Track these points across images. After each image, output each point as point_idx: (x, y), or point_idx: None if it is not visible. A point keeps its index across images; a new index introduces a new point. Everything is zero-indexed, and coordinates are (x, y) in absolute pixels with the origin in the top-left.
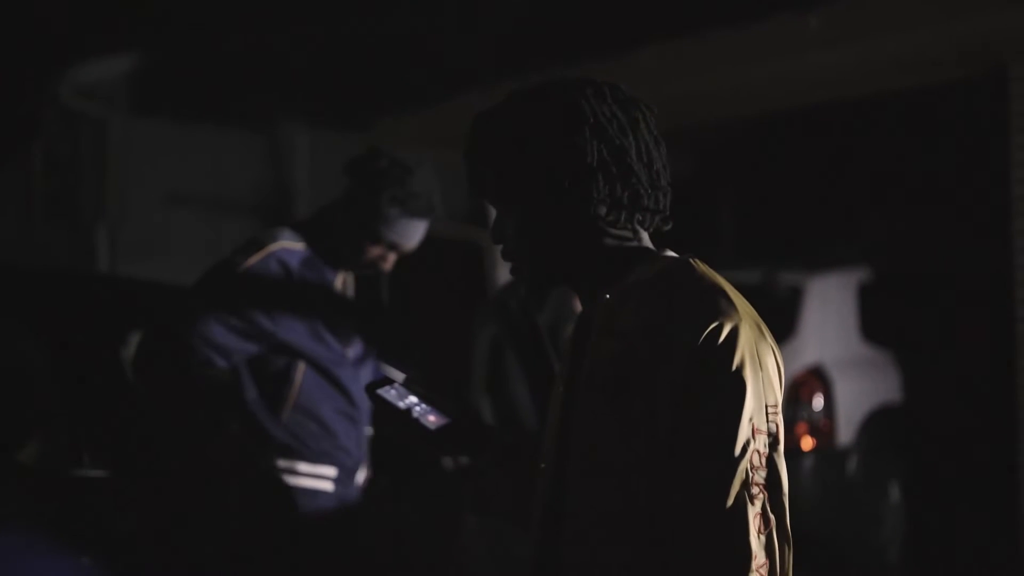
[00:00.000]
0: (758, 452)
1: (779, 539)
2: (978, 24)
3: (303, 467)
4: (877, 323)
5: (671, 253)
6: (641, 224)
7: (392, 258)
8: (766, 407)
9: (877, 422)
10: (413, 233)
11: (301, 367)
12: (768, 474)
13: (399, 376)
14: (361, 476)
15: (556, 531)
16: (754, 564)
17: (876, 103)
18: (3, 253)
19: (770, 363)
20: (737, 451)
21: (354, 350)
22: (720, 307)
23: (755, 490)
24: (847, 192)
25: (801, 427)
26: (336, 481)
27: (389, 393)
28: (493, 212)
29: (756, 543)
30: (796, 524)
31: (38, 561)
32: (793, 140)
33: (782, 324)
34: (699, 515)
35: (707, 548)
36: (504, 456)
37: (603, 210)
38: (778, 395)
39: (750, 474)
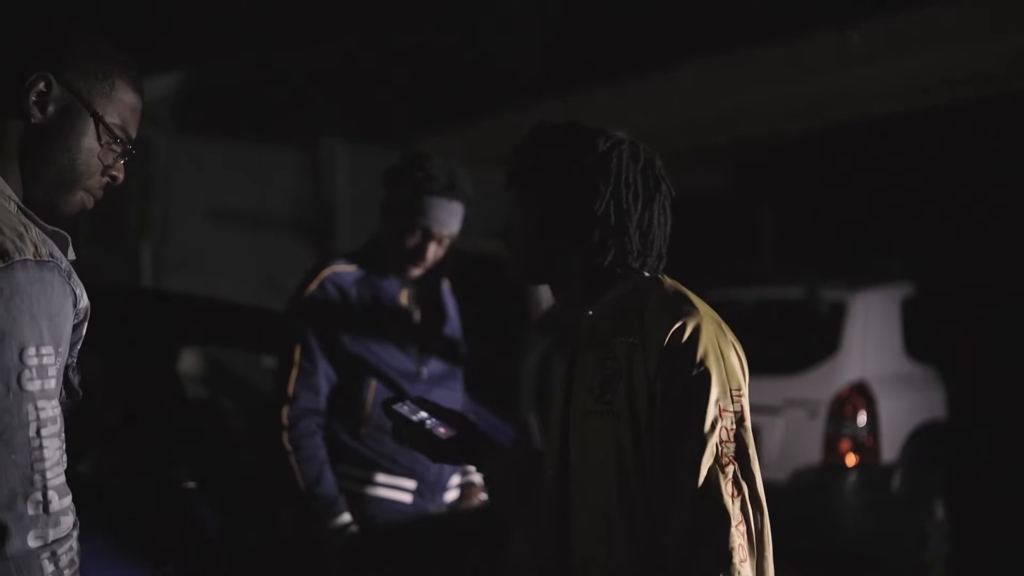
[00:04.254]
0: (726, 428)
1: (752, 503)
2: (1021, 38)
3: (382, 478)
4: (921, 339)
5: (647, 274)
6: (619, 269)
7: (431, 247)
8: (731, 391)
9: (921, 439)
10: (441, 214)
11: (373, 385)
12: (736, 447)
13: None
14: (450, 495)
15: (564, 530)
16: (733, 522)
17: (918, 118)
18: None
19: (731, 354)
20: (707, 428)
21: (429, 368)
22: (683, 309)
23: (725, 460)
24: (890, 207)
25: (845, 443)
26: (415, 493)
27: (403, 408)
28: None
29: (731, 505)
30: (840, 541)
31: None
32: (834, 156)
33: (825, 341)
34: (681, 484)
35: (691, 512)
36: (506, 465)
37: (590, 250)
38: (741, 381)
39: (720, 447)
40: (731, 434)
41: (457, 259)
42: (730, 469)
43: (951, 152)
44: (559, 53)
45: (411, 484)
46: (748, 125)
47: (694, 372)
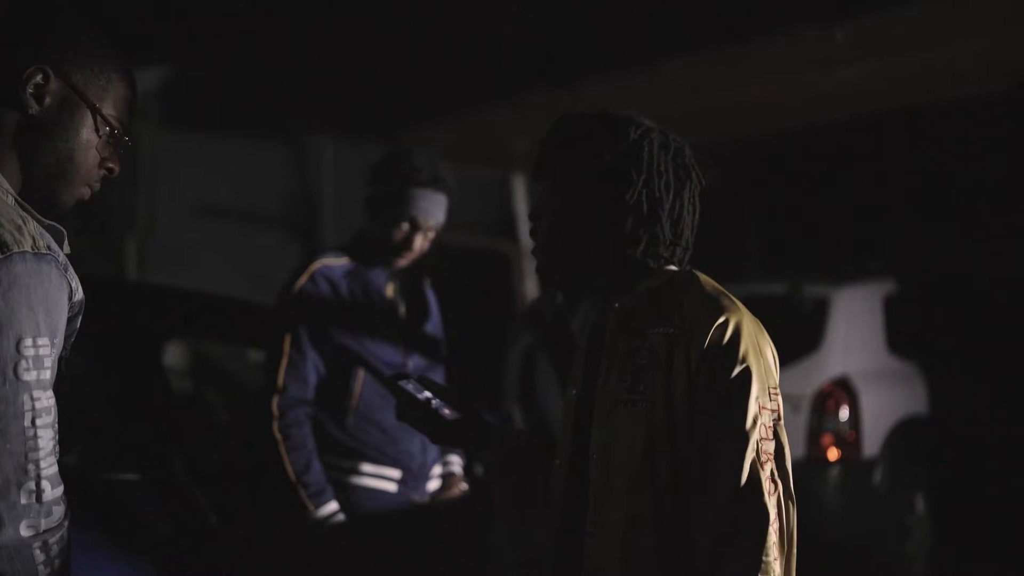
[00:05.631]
0: (765, 425)
1: (785, 499)
2: (1006, 37)
3: (367, 467)
4: (903, 335)
5: (673, 268)
6: (650, 260)
7: (418, 239)
8: (768, 388)
9: (903, 433)
10: (427, 205)
11: (360, 376)
12: (774, 445)
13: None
14: (432, 484)
15: (576, 518)
16: (770, 519)
17: (902, 116)
18: None
19: (768, 352)
20: (748, 425)
21: (414, 361)
22: (724, 306)
23: (764, 458)
24: (873, 205)
25: (827, 438)
26: (400, 483)
27: (408, 386)
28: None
29: (769, 503)
30: (822, 535)
31: (96, 564)
32: (819, 154)
33: (808, 336)
34: (721, 480)
35: (730, 508)
36: (506, 452)
37: (622, 239)
38: (776, 379)
39: (760, 444)
40: (770, 432)
41: (442, 252)
42: (768, 466)
43: (933, 150)
44: (545, 49)
45: (396, 473)
46: (734, 123)
47: (736, 369)
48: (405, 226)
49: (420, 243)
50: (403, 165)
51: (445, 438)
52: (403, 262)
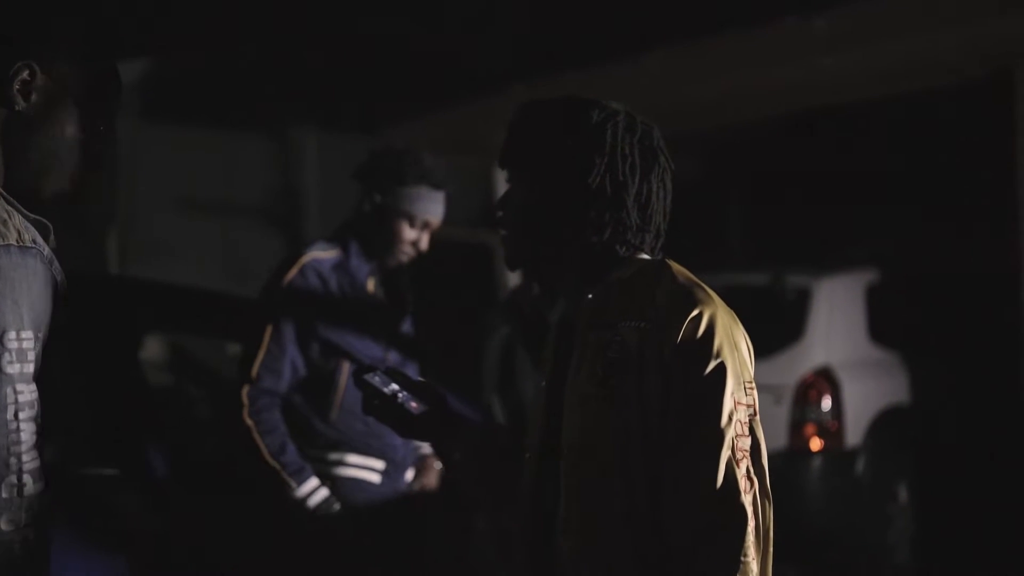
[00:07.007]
0: (740, 422)
1: (761, 497)
2: (984, 27)
3: (352, 458)
4: (885, 325)
5: (645, 256)
6: (618, 246)
7: (426, 237)
8: (744, 383)
9: (885, 423)
10: (437, 206)
11: (345, 370)
12: (750, 441)
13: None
14: (409, 474)
15: (547, 515)
16: (747, 518)
17: (883, 106)
18: None
19: (743, 345)
20: (723, 422)
21: (393, 355)
22: (698, 297)
23: (739, 455)
24: (854, 195)
25: (809, 428)
26: (383, 474)
27: (374, 379)
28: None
29: (746, 502)
30: (804, 525)
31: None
32: (801, 143)
33: (790, 326)
34: (696, 479)
35: (706, 506)
36: (475, 445)
37: (588, 225)
38: (751, 373)
39: (735, 441)
40: (745, 428)
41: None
42: (744, 464)
43: (915, 140)
44: (526, 40)
45: (380, 464)
46: (716, 113)
47: (710, 364)
48: (418, 226)
49: (426, 241)
50: (415, 169)
51: (411, 431)
52: (405, 259)
